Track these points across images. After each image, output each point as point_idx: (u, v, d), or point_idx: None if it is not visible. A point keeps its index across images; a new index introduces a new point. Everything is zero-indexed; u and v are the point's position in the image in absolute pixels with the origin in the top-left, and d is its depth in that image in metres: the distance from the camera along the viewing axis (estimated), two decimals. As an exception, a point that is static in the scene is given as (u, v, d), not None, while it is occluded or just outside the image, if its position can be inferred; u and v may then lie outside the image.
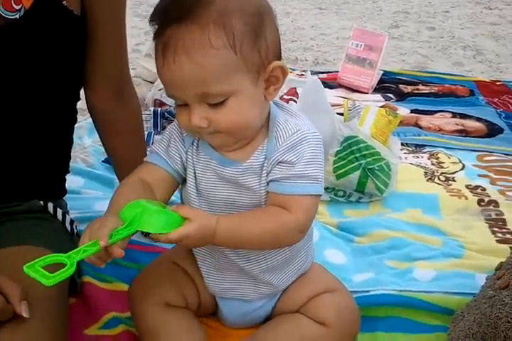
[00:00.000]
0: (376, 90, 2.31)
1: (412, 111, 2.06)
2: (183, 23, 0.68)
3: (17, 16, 0.83)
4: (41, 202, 0.99)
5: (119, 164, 1.09)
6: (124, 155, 1.07)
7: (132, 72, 2.39)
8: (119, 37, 0.99)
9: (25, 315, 0.75)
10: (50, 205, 1.00)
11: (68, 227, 1.02)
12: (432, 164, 1.65)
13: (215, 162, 0.80)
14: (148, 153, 0.91)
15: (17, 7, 0.82)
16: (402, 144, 1.64)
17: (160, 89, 1.96)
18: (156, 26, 0.71)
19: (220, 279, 0.89)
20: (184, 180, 0.84)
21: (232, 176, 0.79)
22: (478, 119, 2.02)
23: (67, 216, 1.03)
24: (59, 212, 1.01)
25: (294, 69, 2.41)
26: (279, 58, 0.76)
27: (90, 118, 1.11)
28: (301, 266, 0.92)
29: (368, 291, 1.07)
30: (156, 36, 0.71)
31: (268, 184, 0.79)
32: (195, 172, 0.81)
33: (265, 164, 0.78)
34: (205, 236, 0.72)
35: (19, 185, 0.96)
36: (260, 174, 0.79)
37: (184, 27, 0.68)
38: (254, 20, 0.71)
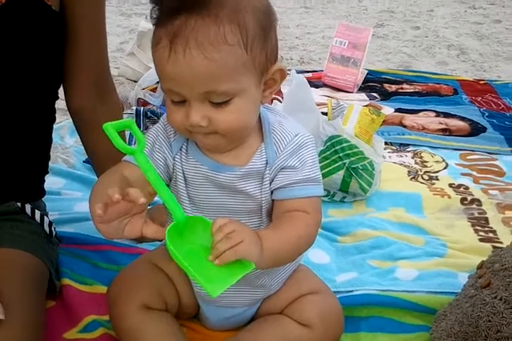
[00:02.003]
0: (361, 89, 2.31)
1: (396, 110, 2.07)
2: (197, 14, 0.63)
3: None
4: (18, 204, 0.97)
5: (99, 162, 1.08)
6: (104, 153, 1.05)
7: (116, 71, 2.39)
8: (99, 33, 0.97)
9: (0, 316, 0.74)
10: (28, 207, 0.99)
11: (47, 229, 1.00)
12: (416, 163, 1.66)
13: (207, 167, 0.77)
14: None
15: None
16: (386, 143, 1.64)
17: (143, 88, 1.94)
18: (159, 12, 0.67)
19: None
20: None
21: (228, 182, 0.77)
22: (462, 118, 2.03)
23: (45, 217, 1.01)
24: (37, 213, 0.99)
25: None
26: (276, 61, 0.75)
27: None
28: (293, 266, 0.92)
29: (351, 291, 1.07)
30: (161, 23, 0.66)
31: (273, 192, 0.77)
32: (185, 179, 0.78)
33: (267, 170, 0.76)
34: (256, 241, 0.68)
35: (-6, 186, 0.94)
36: (262, 179, 0.77)
37: (199, 19, 0.64)
38: (265, 19, 0.69)
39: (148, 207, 1.23)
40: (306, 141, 0.77)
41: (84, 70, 0.97)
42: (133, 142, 1.57)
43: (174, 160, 0.78)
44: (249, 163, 0.77)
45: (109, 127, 0.66)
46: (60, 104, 1.05)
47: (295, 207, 0.76)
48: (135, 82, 2.14)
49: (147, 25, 2.28)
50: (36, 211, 0.99)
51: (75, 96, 1.00)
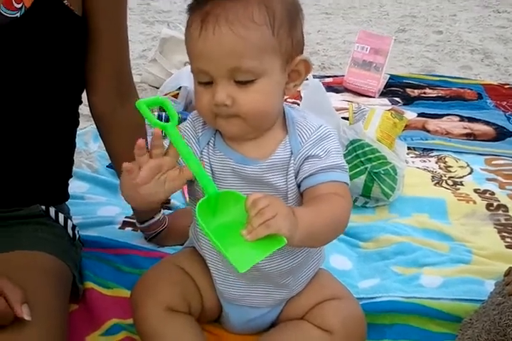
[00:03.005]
0: (383, 94, 2.29)
1: (419, 115, 2.04)
2: None
3: (18, 15, 0.82)
4: (43, 207, 0.98)
5: (121, 165, 1.08)
6: (126, 156, 1.06)
7: (138, 78, 2.42)
8: (121, 37, 0.98)
9: (26, 317, 0.75)
10: (52, 210, 1.00)
11: (70, 232, 1.01)
12: (440, 168, 1.63)
13: (233, 160, 0.78)
14: None
15: (18, 6, 0.82)
16: (409, 148, 1.62)
17: (165, 94, 1.95)
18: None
19: (234, 286, 0.87)
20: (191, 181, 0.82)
21: (254, 174, 0.78)
22: (487, 123, 2.00)
23: (69, 221, 1.02)
24: (61, 216, 1.00)
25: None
26: (302, 53, 0.77)
27: (96, 123, 1.10)
28: (316, 267, 0.91)
29: (374, 298, 1.05)
30: (195, 8, 0.72)
31: (301, 183, 0.78)
32: (212, 172, 0.80)
33: (292, 160, 0.78)
34: (290, 216, 0.67)
35: (20, 190, 0.96)
36: (287, 171, 0.78)
37: (229, 1, 0.69)
38: (293, 9, 0.74)
39: (170, 212, 1.26)
40: (329, 132, 0.79)
41: (106, 74, 0.98)
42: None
43: (201, 154, 0.80)
44: (273, 155, 0.78)
45: (142, 104, 0.68)
46: (84, 110, 1.06)
47: (327, 191, 0.76)
48: (157, 88, 2.16)
49: (169, 32, 2.30)
50: (60, 214, 1.00)
51: (97, 100, 1.01)
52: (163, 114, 1.70)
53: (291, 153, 0.78)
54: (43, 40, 0.85)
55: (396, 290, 1.08)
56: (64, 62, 0.91)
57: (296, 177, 0.79)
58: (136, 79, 1.11)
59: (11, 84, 0.87)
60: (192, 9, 0.73)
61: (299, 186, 0.79)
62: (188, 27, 0.73)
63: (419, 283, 1.11)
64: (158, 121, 0.70)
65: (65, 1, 0.85)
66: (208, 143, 0.80)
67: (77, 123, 1.06)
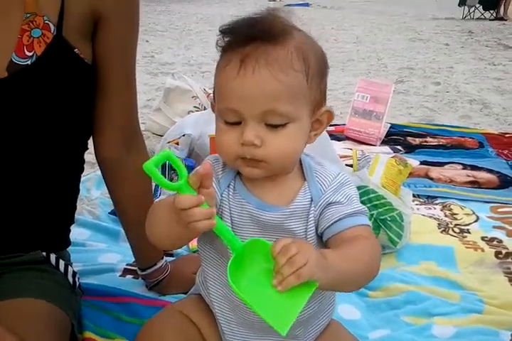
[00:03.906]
0: (384, 142, 2.31)
1: (421, 163, 2.05)
2: (268, 41, 0.70)
3: (29, 62, 0.84)
4: (43, 253, 0.96)
5: (125, 212, 1.07)
6: (131, 204, 1.05)
7: (142, 126, 2.42)
8: (129, 84, 0.99)
9: None
10: (53, 256, 0.97)
11: (70, 279, 0.99)
12: (445, 215, 1.62)
13: (252, 205, 0.77)
14: None
15: (29, 53, 0.83)
16: (413, 195, 1.61)
17: (169, 142, 1.97)
18: (231, 39, 0.72)
19: (244, 338, 0.83)
20: None
21: (274, 221, 0.76)
22: (490, 171, 2.00)
23: (69, 268, 0.99)
24: (61, 263, 0.98)
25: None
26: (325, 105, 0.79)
27: (99, 171, 1.10)
28: (328, 317, 0.87)
29: (385, 349, 1.01)
30: (233, 47, 0.72)
31: (326, 230, 0.76)
32: (231, 217, 0.77)
33: (312, 208, 0.77)
34: (321, 262, 0.66)
35: (21, 235, 0.94)
36: (307, 218, 0.77)
37: (270, 45, 0.70)
38: (322, 62, 0.76)
39: (172, 259, 1.23)
40: (347, 179, 0.80)
41: (114, 122, 0.99)
42: (158, 193, 1.57)
43: (222, 196, 0.78)
44: (294, 202, 0.77)
45: (150, 165, 0.61)
46: (87, 156, 1.06)
47: (353, 235, 0.75)
48: (161, 136, 2.18)
49: (174, 82, 2.36)
50: (61, 261, 0.98)
51: (103, 146, 1.01)
52: (167, 161, 1.70)
53: (311, 200, 0.77)
54: (52, 88, 0.87)
55: (408, 341, 1.03)
56: (72, 109, 0.92)
57: (316, 224, 0.78)
58: (140, 127, 1.12)
59: (19, 130, 0.87)
60: (229, 49, 0.72)
61: (320, 234, 0.78)
62: (222, 65, 0.72)
63: (431, 333, 1.07)
64: (169, 183, 0.63)
65: (75, 50, 0.87)
66: (228, 186, 0.78)
67: (82, 170, 1.05)
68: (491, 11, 10.20)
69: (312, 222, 0.77)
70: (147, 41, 5.81)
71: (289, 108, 0.71)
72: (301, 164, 0.80)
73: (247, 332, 0.83)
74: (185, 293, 1.01)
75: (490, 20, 9.90)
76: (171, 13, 9.74)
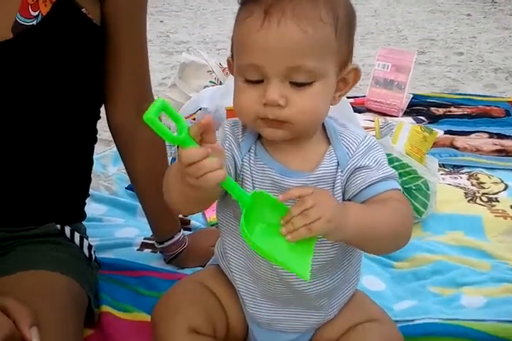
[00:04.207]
0: (406, 113, 2.24)
1: (446, 133, 1.98)
2: None
3: (34, 23, 0.80)
4: (58, 226, 0.94)
5: (139, 181, 1.04)
6: (146, 172, 1.01)
7: (158, 103, 2.42)
8: (140, 48, 0.95)
9: None
10: (68, 229, 0.95)
11: (86, 252, 0.96)
12: (472, 185, 1.56)
13: (274, 171, 0.73)
14: None
15: (34, 13, 0.80)
16: (438, 165, 1.55)
17: (186, 117, 1.93)
18: None
19: (267, 309, 0.80)
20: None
21: (293, 187, 0.71)
22: (518, 139, 1.93)
23: (85, 240, 0.97)
24: (76, 236, 0.96)
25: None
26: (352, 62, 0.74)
27: (115, 148, 1.06)
28: (353, 288, 0.84)
29: (412, 321, 0.98)
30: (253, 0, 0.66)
31: (356, 196, 0.72)
32: (253, 183, 0.73)
33: (339, 173, 0.73)
34: (336, 217, 0.63)
35: (35, 208, 0.92)
36: (333, 184, 0.73)
37: None
38: (352, 15, 0.71)
39: (189, 233, 1.21)
40: (375, 142, 0.76)
41: (125, 86, 0.95)
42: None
43: (243, 161, 0.74)
44: (319, 167, 0.73)
45: (151, 115, 0.55)
46: (104, 135, 1.03)
47: (385, 197, 0.71)
48: (177, 112, 2.15)
49: (189, 57, 2.30)
50: (76, 233, 0.96)
51: (115, 112, 0.97)
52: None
53: (338, 165, 0.73)
54: (59, 49, 0.83)
55: (436, 311, 1.00)
56: (82, 72, 0.88)
57: (343, 190, 0.73)
58: (153, 96, 1.08)
59: (27, 95, 0.84)
60: (249, 1, 0.67)
61: (348, 200, 0.74)
62: (243, 17, 0.67)
63: (460, 303, 1.03)
64: (175, 136, 0.58)
65: (83, 10, 0.83)
66: (249, 151, 0.74)
67: (95, 140, 1.02)
68: (515, -20, 9.84)
69: (339, 188, 0.73)
70: (161, 21, 5.74)
71: (316, 64, 0.66)
72: (324, 127, 0.75)
73: (270, 303, 0.80)
74: (203, 267, 0.98)
75: (513, -11, 9.55)
76: (185, -7, 9.61)
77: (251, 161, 0.74)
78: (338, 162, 0.73)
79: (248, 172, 0.73)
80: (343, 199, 0.74)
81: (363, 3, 7.65)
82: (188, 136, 0.58)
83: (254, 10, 0.66)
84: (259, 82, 0.67)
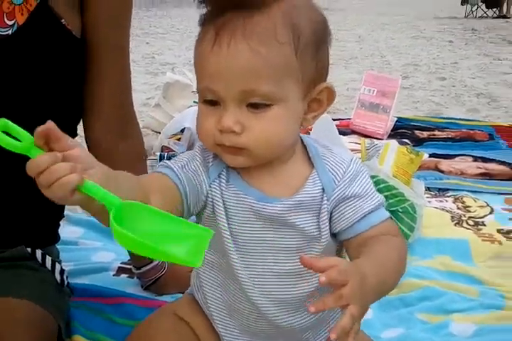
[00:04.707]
0: (391, 136, 2.24)
1: (430, 156, 1.97)
2: (247, 11, 0.60)
3: (9, 32, 0.77)
4: (28, 249, 0.89)
5: None
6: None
7: (141, 124, 2.37)
8: (122, 61, 0.92)
9: None
10: (39, 252, 0.90)
11: (58, 277, 0.91)
12: (458, 208, 1.54)
13: (252, 198, 0.67)
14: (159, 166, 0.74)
15: (10, 22, 0.77)
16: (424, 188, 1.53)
17: (168, 138, 1.90)
18: (208, 11, 0.63)
19: None
20: (189, 214, 0.71)
21: (277, 214, 0.67)
22: (501, 162, 1.93)
23: (57, 265, 0.92)
24: (48, 260, 0.91)
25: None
26: (325, 80, 0.68)
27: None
28: (338, 318, 0.79)
29: (399, 349, 0.93)
30: (209, 19, 0.62)
31: (347, 229, 0.69)
32: (226, 211, 0.68)
33: (324, 201, 0.68)
34: (361, 279, 0.58)
35: (3, 229, 0.87)
36: (318, 213, 0.68)
37: (249, 15, 0.60)
38: (321, 30, 0.65)
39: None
40: (361, 167, 0.71)
41: (106, 101, 0.91)
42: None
43: (211, 187, 0.68)
44: (301, 192, 0.68)
45: None
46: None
47: (379, 233, 0.68)
48: (160, 133, 2.11)
49: (174, 77, 2.29)
50: (47, 257, 0.91)
51: (94, 128, 0.93)
52: (165, 154, 1.63)
53: (323, 191, 0.68)
54: (36, 61, 0.79)
55: (424, 340, 0.96)
56: (59, 86, 0.84)
57: (331, 220, 0.69)
58: (135, 113, 1.05)
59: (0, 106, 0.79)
60: (206, 20, 0.63)
61: (336, 233, 0.70)
62: (199, 40, 0.64)
63: (449, 331, 0.99)
64: (17, 143, 0.52)
65: (62, 20, 0.80)
66: (219, 176, 0.69)
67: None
68: (494, 9, 10.14)
69: (325, 218, 0.68)
70: (147, 43, 5.77)
71: (272, 87, 0.61)
72: (305, 148, 0.71)
73: (249, 338, 0.75)
74: (183, 293, 0.93)
75: (493, 18, 9.83)
76: (172, 17, 9.72)
77: (222, 187, 0.68)
78: (323, 188, 0.68)
79: (219, 198, 0.68)
80: (331, 229, 0.69)
81: (348, 28, 7.80)
82: (33, 145, 0.52)
83: (208, 31, 0.62)
84: (218, 104, 0.62)
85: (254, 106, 0.61)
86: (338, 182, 0.68)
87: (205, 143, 0.67)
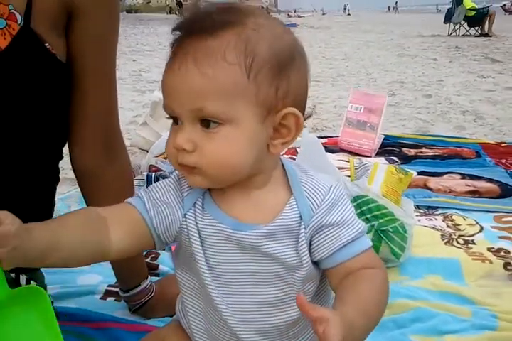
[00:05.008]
0: (379, 154, 2.24)
1: (419, 174, 1.97)
2: (203, 36, 0.62)
3: None
4: (12, 275, 0.86)
5: None
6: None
7: (128, 142, 2.37)
8: (108, 86, 0.91)
9: None
10: (23, 278, 0.87)
11: (43, 303, 0.88)
12: (448, 226, 1.54)
13: (226, 226, 0.67)
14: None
15: None
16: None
17: (155, 156, 1.88)
18: (174, 34, 0.65)
19: None
20: (162, 244, 0.71)
21: (252, 242, 0.66)
22: (490, 180, 1.93)
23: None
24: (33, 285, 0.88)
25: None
26: (300, 110, 0.66)
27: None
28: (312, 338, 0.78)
29: (393, 373, 0.92)
30: (173, 43, 0.65)
31: (325, 259, 0.67)
32: (201, 239, 0.68)
33: (302, 229, 0.66)
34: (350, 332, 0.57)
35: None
36: (296, 240, 0.67)
37: (203, 39, 0.62)
38: (283, 55, 0.64)
39: (157, 279, 1.14)
40: (341, 193, 0.69)
41: (92, 126, 0.90)
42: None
43: (185, 217, 0.68)
44: (277, 219, 0.66)
45: None
46: (69, 173, 0.98)
47: (359, 266, 0.66)
48: (147, 151, 2.10)
49: (160, 95, 2.28)
50: (32, 283, 0.88)
51: (80, 153, 0.92)
52: (153, 174, 1.61)
53: (301, 219, 0.67)
54: (20, 85, 0.78)
55: (418, 363, 0.94)
56: (44, 109, 0.83)
57: (310, 248, 0.67)
58: (126, 143, 1.04)
59: None
60: (172, 43, 0.65)
61: (316, 261, 0.68)
62: (167, 61, 0.66)
63: (443, 354, 0.97)
64: None
65: (46, 44, 0.79)
66: (194, 204, 0.69)
67: (57, 180, 0.96)
68: (476, 28, 10.33)
69: (304, 246, 0.66)
70: (134, 60, 5.78)
71: (220, 107, 0.61)
72: (285, 174, 0.69)
73: None
74: (172, 316, 0.91)
75: (475, 36, 10.02)
76: (159, 34, 9.77)
77: (197, 216, 0.68)
78: (300, 216, 0.67)
79: (194, 227, 0.68)
80: (311, 258, 0.68)
81: (334, 47, 7.91)
82: None
83: (170, 53, 0.64)
84: (178, 122, 0.64)
85: (205, 125, 0.62)
86: (316, 209, 0.66)
87: (170, 162, 0.68)
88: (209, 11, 0.64)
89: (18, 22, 0.75)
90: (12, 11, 0.75)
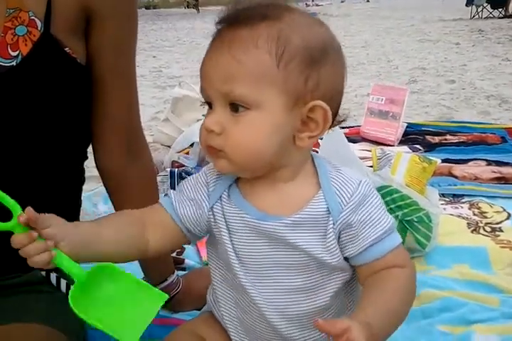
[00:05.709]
0: (402, 142, 2.22)
1: (443, 161, 1.95)
2: (240, 26, 0.65)
3: (14, 63, 0.76)
4: (43, 273, 0.89)
5: None
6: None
7: (150, 138, 2.39)
8: (129, 87, 0.92)
9: None
10: (53, 276, 0.90)
11: (73, 300, 0.91)
12: (474, 214, 1.52)
13: (250, 216, 0.68)
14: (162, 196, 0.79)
15: (14, 54, 0.76)
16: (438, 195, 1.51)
17: (178, 152, 1.90)
18: (216, 25, 0.69)
19: None
20: (197, 237, 0.74)
21: (275, 232, 0.67)
22: (516, 166, 1.90)
23: (71, 287, 0.91)
24: (63, 283, 0.90)
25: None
26: (331, 107, 0.65)
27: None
28: None
29: (421, 363, 0.91)
30: (214, 33, 0.69)
31: (354, 257, 0.68)
32: (228, 230, 0.70)
33: (330, 222, 0.67)
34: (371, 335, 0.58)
35: (17, 254, 0.86)
36: (324, 234, 0.67)
37: (239, 29, 0.65)
38: (315, 50, 0.65)
39: (184, 273, 1.15)
40: (371, 189, 0.69)
41: (114, 127, 0.91)
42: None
43: (213, 210, 0.71)
44: (303, 211, 0.67)
45: None
46: (94, 171, 1.00)
47: (386, 265, 0.67)
48: (170, 147, 2.12)
49: (182, 91, 2.29)
50: (62, 280, 0.90)
51: (104, 154, 0.93)
52: (176, 170, 1.63)
53: (328, 212, 0.67)
54: (42, 91, 0.79)
55: (447, 353, 0.94)
56: (67, 112, 0.84)
57: (338, 241, 0.68)
58: (148, 139, 1.05)
59: (9, 136, 0.80)
60: (212, 36, 0.69)
61: (345, 257, 0.69)
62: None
63: (472, 343, 0.97)
64: (2, 223, 0.63)
65: (66, 49, 0.80)
66: (220, 198, 0.71)
67: (83, 181, 0.98)
68: (499, 10, 10.09)
69: (333, 241, 0.67)
70: (154, 57, 5.82)
71: (247, 90, 0.63)
72: (315, 168, 0.70)
73: None
74: (199, 309, 0.93)
75: (499, 18, 9.79)
76: (178, 29, 9.80)
77: (224, 207, 0.71)
78: (328, 209, 0.67)
79: (221, 218, 0.70)
80: (340, 248, 0.69)
81: (353, 34, 7.81)
82: (16, 223, 0.62)
83: (210, 41, 0.68)
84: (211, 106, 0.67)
85: (234, 109, 0.64)
86: (345, 205, 0.67)
87: (200, 144, 0.71)
88: (250, 6, 0.67)
89: (39, 28, 0.77)
90: (32, 17, 0.76)
